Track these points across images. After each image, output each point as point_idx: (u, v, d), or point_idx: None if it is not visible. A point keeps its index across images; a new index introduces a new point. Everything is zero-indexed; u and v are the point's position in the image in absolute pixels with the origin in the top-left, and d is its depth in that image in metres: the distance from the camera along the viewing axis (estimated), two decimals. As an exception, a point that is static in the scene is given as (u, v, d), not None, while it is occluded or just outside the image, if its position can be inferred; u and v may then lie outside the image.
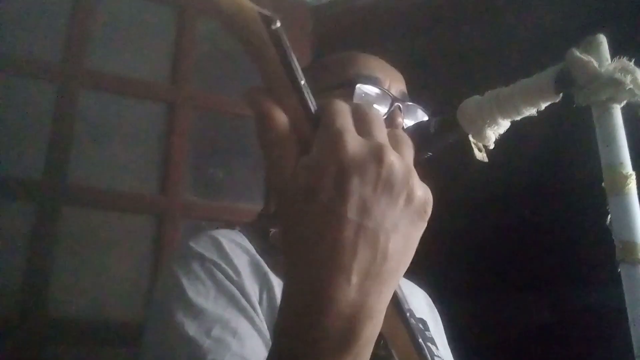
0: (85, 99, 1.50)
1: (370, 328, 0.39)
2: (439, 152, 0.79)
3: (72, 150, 1.45)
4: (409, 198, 0.40)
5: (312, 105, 0.41)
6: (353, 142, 0.38)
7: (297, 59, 0.41)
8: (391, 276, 0.40)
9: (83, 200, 1.45)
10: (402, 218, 0.40)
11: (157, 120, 1.59)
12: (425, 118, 0.94)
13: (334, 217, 0.38)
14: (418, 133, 0.79)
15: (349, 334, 0.38)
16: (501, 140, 0.75)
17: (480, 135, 0.73)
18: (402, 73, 1.01)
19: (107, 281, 1.42)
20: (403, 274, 0.42)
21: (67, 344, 1.37)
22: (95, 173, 1.49)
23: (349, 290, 0.38)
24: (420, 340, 0.54)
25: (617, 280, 0.60)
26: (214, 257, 0.80)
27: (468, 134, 0.75)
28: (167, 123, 1.58)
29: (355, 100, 0.89)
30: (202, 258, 0.79)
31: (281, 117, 0.40)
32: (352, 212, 0.38)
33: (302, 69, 0.40)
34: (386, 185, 0.38)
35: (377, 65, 0.98)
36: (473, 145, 0.75)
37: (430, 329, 1.00)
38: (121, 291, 1.44)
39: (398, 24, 1.84)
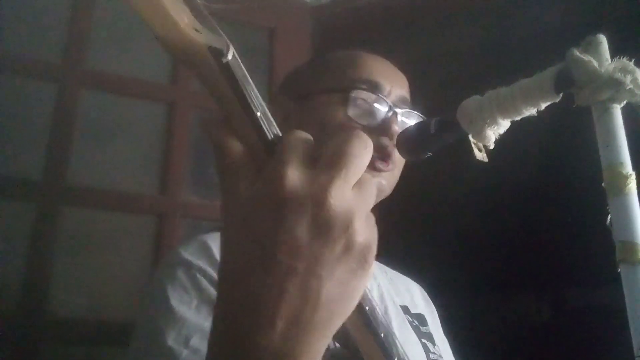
0: (85, 99, 1.50)
1: None
2: (439, 152, 0.79)
3: (72, 150, 1.45)
4: (348, 244, 0.37)
5: (270, 134, 0.40)
6: (295, 176, 0.36)
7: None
8: (323, 325, 0.37)
9: (83, 200, 1.45)
10: (339, 265, 0.37)
11: (157, 120, 1.59)
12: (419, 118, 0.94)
13: (263, 253, 0.35)
14: (418, 133, 0.79)
15: None
16: (501, 140, 0.75)
17: (480, 135, 0.73)
18: (402, 73, 1.01)
19: (107, 281, 1.42)
20: (339, 324, 0.39)
21: (67, 344, 1.37)
22: (95, 173, 1.49)
23: (272, 337, 0.35)
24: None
25: (617, 280, 0.60)
26: (201, 263, 0.80)
27: (468, 134, 0.75)
28: (167, 123, 1.58)
29: (351, 106, 0.88)
30: (188, 265, 0.80)
31: (234, 147, 0.39)
32: (282, 252, 0.35)
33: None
34: (323, 228, 0.36)
35: (379, 68, 0.97)
36: (473, 145, 0.75)
37: (428, 322, 0.99)
38: (121, 291, 1.44)
39: (398, 24, 1.84)
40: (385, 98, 0.91)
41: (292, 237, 0.35)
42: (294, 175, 0.36)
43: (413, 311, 0.99)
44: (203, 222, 1.59)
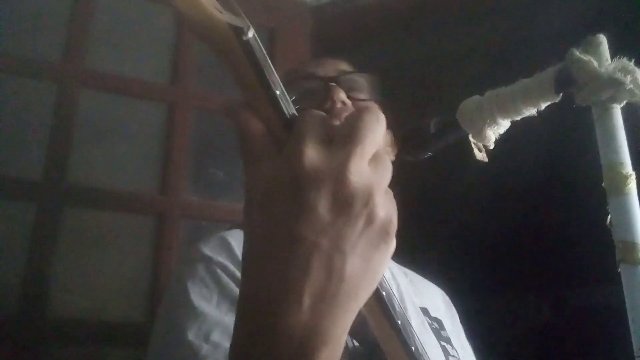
0: (85, 99, 1.50)
1: (325, 353, 0.36)
2: (439, 152, 0.79)
3: (72, 150, 1.45)
4: (369, 219, 0.37)
5: (288, 113, 0.40)
6: (313, 154, 0.36)
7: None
8: (349, 300, 0.37)
9: (83, 200, 1.45)
10: (361, 240, 0.37)
11: (157, 120, 1.59)
12: (371, 82, 0.95)
13: (287, 232, 0.36)
14: (418, 133, 0.79)
15: (301, 358, 0.36)
16: (501, 140, 0.75)
17: (480, 135, 0.73)
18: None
19: (107, 281, 1.42)
20: (365, 298, 0.39)
21: (67, 344, 1.37)
22: (95, 173, 1.49)
23: (300, 313, 0.35)
24: (415, 351, 0.54)
25: (617, 280, 0.60)
26: (221, 258, 0.81)
27: (468, 134, 0.75)
28: (167, 123, 1.58)
29: (299, 96, 0.89)
30: (209, 261, 0.81)
31: (257, 128, 0.39)
32: (306, 229, 0.35)
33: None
34: (344, 203, 0.36)
35: (310, 62, 0.99)
36: (473, 145, 0.75)
37: (447, 327, 0.99)
38: (121, 291, 1.44)
39: (398, 24, 1.84)
40: (317, 75, 0.93)
41: (314, 214, 0.35)
42: (312, 153, 0.36)
43: (433, 314, 0.98)
44: (203, 222, 1.59)
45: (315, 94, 0.91)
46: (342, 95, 0.90)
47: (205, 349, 0.69)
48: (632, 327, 0.59)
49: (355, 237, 0.37)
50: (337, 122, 0.89)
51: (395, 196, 0.41)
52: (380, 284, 0.49)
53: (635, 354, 0.58)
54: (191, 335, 0.71)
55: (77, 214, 1.45)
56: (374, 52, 1.85)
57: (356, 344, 0.73)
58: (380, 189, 0.38)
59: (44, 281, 1.34)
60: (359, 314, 0.40)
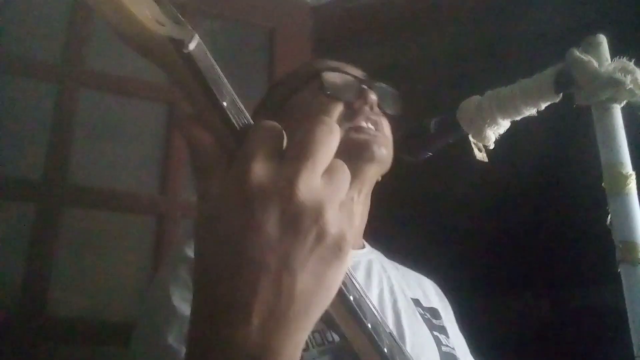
0: (85, 99, 1.50)
1: None
2: (439, 152, 0.79)
3: (72, 150, 1.45)
4: (320, 235, 0.36)
5: (238, 124, 0.39)
6: (261, 169, 0.35)
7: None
8: (299, 318, 0.36)
9: (83, 200, 1.45)
10: (311, 257, 0.36)
11: (157, 120, 1.59)
12: (394, 93, 0.97)
13: (234, 251, 0.35)
14: (418, 133, 0.79)
15: None
16: (501, 140, 0.75)
17: (480, 135, 0.73)
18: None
19: (107, 281, 1.42)
20: (318, 315, 0.38)
21: (67, 344, 1.37)
22: (95, 173, 1.49)
23: (249, 332, 0.35)
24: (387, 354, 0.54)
25: (617, 280, 0.60)
26: None
27: (468, 134, 0.75)
28: (167, 123, 1.58)
29: (326, 86, 0.91)
30: (190, 261, 0.80)
31: (206, 143, 0.38)
32: (253, 248, 0.35)
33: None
34: (292, 221, 0.35)
35: (336, 61, 1.01)
36: (473, 145, 0.75)
37: (442, 317, 0.99)
38: (121, 291, 1.44)
39: (398, 24, 1.84)
40: (352, 74, 0.94)
41: (262, 233, 0.35)
42: (260, 169, 0.35)
43: (425, 305, 0.98)
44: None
45: (347, 91, 0.92)
46: (375, 100, 0.91)
47: (184, 352, 0.70)
48: (632, 327, 0.59)
49: (305, 255, 0.36)
50: (362, 124, 0.90)
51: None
52: (347, 288, 0.48)
53: (635, 354, 0.58)
54: (171, 339, 0.71)
55: (77, 214, 1.45)
56: (374, 52, 1.85)
57: (338, 339, 0.73)
58: (333, 203, 0.37)
59: (43, 281, 1.34)
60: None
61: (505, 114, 0.71)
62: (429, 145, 0.79)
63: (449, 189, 1.68)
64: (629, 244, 0.60)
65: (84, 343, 1.38)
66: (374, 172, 0.90)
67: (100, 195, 1.46)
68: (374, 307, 0.55)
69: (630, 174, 0.62)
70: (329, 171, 0.38)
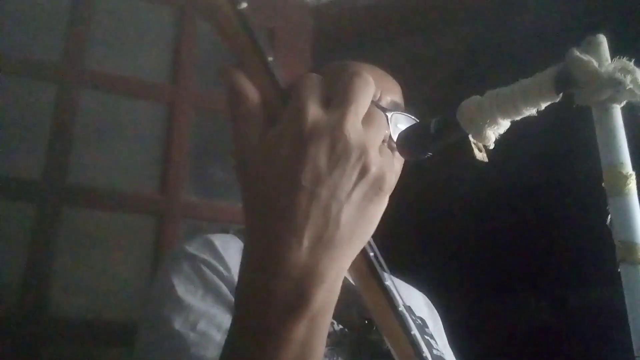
0: (85, 99, 1.50)
1: (322, 294, 0.40)
2: (439, 152, 0.79)
3: (72, 150, 1.45)
4: (363, 172, 0.40)
5: (281, 80, 0.43)
6: (313, 112, 0.40)
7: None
8: (344, 244, 0.41)
9: (83, 200, 1.45)
10: (355, 191, 0.40)
11: (157, 120, 1.59)
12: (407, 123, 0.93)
13: (289, 182, 0.39)
14: (418, 133, 0.79)
15: (298, 297, 0.39)
16: (501, 140, 0.75)
17: (480, 135, 0.73)
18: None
19: (107, 281, 1.42)
20: (359, 246, 0.43)
21: (67, 344, 1.37)
22: (95, 173, 1.49)
23: (300, 253, 0.39)
24: (406, 318, 0.55)
25: (617, 280, 0.60)
26: (205, 255, 0.83)
27: (468, 134, 0.74)
28: (167, 123, 1.58)
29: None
30: (192, 258, 0.83)
31: (251, 92, 0.42)
32: (306, 179, 0.39)
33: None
34: (341, 156, 0.39)
35: (364, 66, 0.98)
36: (473, 145, 0.75)
37: (430, 327, 1.00)
38: (121, 291, 1.44)
39: (398, 24, 1.84)
40: (374, 101, 0.90)
41: (315, 166, 0.39)
42: (313, 111, 0.40)
43: (417, 314, 0.99)
44: (203, 222, 1.59)
45: None
46: (388, 135, 0.86)
47: (192, 336, 0.71)
48: (632, 327, 0.59)
49: (350, 188, 0.40)
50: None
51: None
52: (369, 244, 0.51)
53: (635, 353, 0.58)
54: (178, 325, 0.73)
55: (77, 214, 1.45)
56: (374, 52, 1.85)
57: (340, 327, 0.74)
58: (374, 145, 0.41)
59: (44, 281, 1.34)
60: (343, 297, 0.43)
61: (505, 114, 0.71)
62: (429, 145, 0.79)
63: (448, 189, 1.68)
64: (629, 244, 0.60)
65: (84, 343, 1.38)
66: None
67: (100, 195, 1.47)
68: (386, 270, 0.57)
69: (630, 174, 0.62)
70: (367, 118, 0.42)
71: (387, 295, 0.54)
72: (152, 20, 1.65)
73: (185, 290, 0.78)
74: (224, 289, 0.78)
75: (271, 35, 1.72)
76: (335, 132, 0.39)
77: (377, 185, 0.41)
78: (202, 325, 0.72)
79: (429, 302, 1.11)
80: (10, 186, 1.38)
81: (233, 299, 0.77)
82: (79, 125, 1.48)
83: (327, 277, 0.40)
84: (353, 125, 0.40)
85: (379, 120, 0.43)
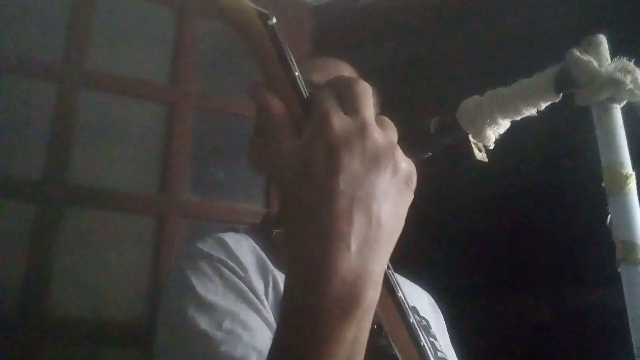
0: (85, 99, 1.50)
1: (371, 292, 0.41)
2: (439, 152, 0.79)
3: (72, 150, 1.45)
4: (395, 169, 0.42)
5: (305, 93, 0.45)
6: (339, 121, 0.41)
7: (297, 59, 0.44)
8: (387, 241, 0.42)
9: (83, 200, 1.45)
10: (390, 187, 0.42)
11: (157, 120, 1.59)
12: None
13: (328, 190, 0.40)
14: (418, 133, 0.79)
15: (352, 299, 0.40)
16: (501, 140, 0.75)
17: (480, 135, 0.73)
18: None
19: (107, 281, 1.42)
20: (396, 241, 0.44)
21: (67, 344, 1.37)
22: (95, 173, 1.49)
23: (349, 257, 0.40)
24: (417, 330, 0.55)
25: (617, 280, 0.60)
26: (222, 255, 0.83)
27: (468, 134, 0.75)
28: (167, 123, 1.58)
29: None
30: (209, 257, 0.83)
31: (278, 106, 0.44)
32: (344, 184, 0.40)
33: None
34: (373, 158, 0.41)
35: (309, 62, 1.01)
36: (473, 145, 0.75)
37: (433, 327, 1.00)
38: (121, 291, 1.44)
39: (398, 24, 1.84)
40: (310, 80, 0.94)
41: (350, 170, 0.40)
42: (340, 120, 0.42)
43: (421, 314, 1.00)
44: (203, 222, 1.59)
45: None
46: None
47: (219, 335, 0.71)
48: (632, 327, 0.59)
49: (386, 186, 0.42)
50: None
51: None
52: (394, 281, 0.53)
53: (635, 353, 0.58)
54: (204, 325, 0.73)
55: (77, 214, 1.45)
56: (374, 52, 1.85)
57: None
58: (396, 144, 0.44)
59: (44, 281, 1.34)
60: None
61: (505, 114, 0.71)
62: (429, 145, 0.79)
63: (448, 189, 1.68)
64: (629, 244, 0.60)
65: (84, 343, 1.38)
66: None
67: (100, 195, 1.47)
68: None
69: (630, 174, 0.62)
70: (380, 121, 0.44)
71: (400, 308, 0.55)
72: (152, 20, 1.65)
73: (206, 289, 0.78)
74: (244, 287, 0.78)
75: (271, 35, 1.72)
76: (363, 136, 0.41)
77: (408, 179, 0.43)
78: (227, 324, 0.73)
79: (433, 300, 1.11)
80: (10, 186, 1.38)
81: (253, 298, 0.78)
82: (79, 125, 1.48)
83: (375, 275, 0.42)
84: (376, 127, 0.42)
85: (389, 122, 0.45)
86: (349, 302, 0.40)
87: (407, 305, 0.55)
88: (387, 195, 0.42)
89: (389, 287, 0.52)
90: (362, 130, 0.41)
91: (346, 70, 1.02)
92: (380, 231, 0.41)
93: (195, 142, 1.61)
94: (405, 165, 0.43)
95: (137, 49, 1.61)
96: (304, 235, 0.42)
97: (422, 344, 0.56)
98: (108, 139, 1.53)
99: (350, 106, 0.43)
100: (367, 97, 0.44)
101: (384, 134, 0.43)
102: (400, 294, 0.54)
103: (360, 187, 0.41)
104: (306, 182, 0.41)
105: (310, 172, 0.41)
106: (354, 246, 0.40)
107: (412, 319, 0.56)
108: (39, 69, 1.48)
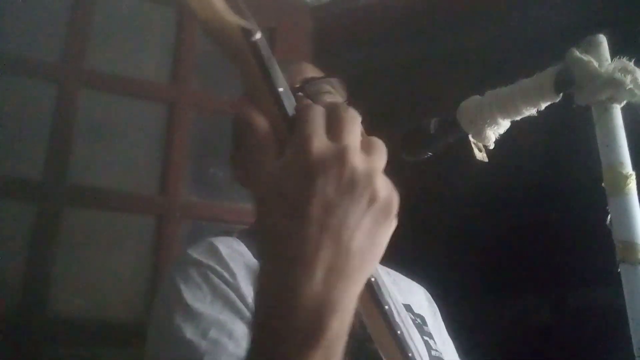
0: (85, 99, 1.50)
1: (337, 322, 0.40)
2: (439, 152, 0.79)
3: (72, 150, 1.45)
4: (372, 198, 0.41)
5: (290, 109, 0.44)
6: (319, 145, 0.40)
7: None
8: (355, 272, 0.41)
9: (83, 200, 1.45)
10: (365, 217, 0.41)
11: (157, 120, 1.59)
12: (336, 86, 0.96)
13: (299, 214, 0.40)
14: (418, 133, 0.79)
15: (316, 327, 0.39)
16: (501, 140, 0.75)
17: (480, 135, 0.73)
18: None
19: (107, 281, 1.42)
20: (369, 271, 0.43)
21: (67, 344, 1.37)
22: (96, 173, 1.49)
23: (313, 284, 0.39)
24: (405, 341, 0.55)
25: (617, 280, 0.60)
26: (211, 262, 0.83)
27: (468, 134, 0.75)
28: (167, 123, 1.58)
29: None
30: (199, 264, 0.83)
31: (262, 124, 0.43)
32: (316, 210, 0.39)
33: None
34: (349, 185, 0.40)
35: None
36: (473, 145, 0.75)
37: (429, 324, 1.00)
38: (121, 291, 1.44)
39: (398, 24, 1.84)
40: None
41: (323, 196, 0.40)
42: (320, 144, 0.40)
43: (416, 311, 1.00)
44: (203, 222, 1.59)
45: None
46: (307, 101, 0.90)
47: (204, 345, 0.71)
48: (632, 327, 0.59)
49: (360, 216, 0.41)
50: None
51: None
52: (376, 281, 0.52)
53: (635, 353, 0.58)
54: (189, 334, 0.73)
55: (78, 214, 1.45)
56: (374, 52, 1.85)
57: None
58: (379, 172, 0.42)
59: (44, 281, 1.34)
60: None
61: (505, 114, 0.71)
62: (429, 145, 0.79)
63: (448, 189, 1.68)
64: (629, 244, 0.60)
65: (84, 343, 1.38)
66: None
67: (100, 195, 1.46)
68: (387, 293, 0.57)
69: (630, 174, 0.62)
70: (368, 145, 0.43)
71: (386, 320, 0.55)
72: (152, 20, 1.65)
73: (194, 297, 0.78)
74: (232, 295, 0.78)
75: (271, 35, 1.72)
76: (341, 161, 0.40)
77: (387, 210, 0.42)
78: (213, 333, 0.73)
79: (429, 296, 1.11)
80: (10, 186, 1.38)
81: (240, 305, 0.78)
82: (79, 125, 1.48)
83: (341, 305, 0.40)
84: (357, 153, 0.41)
85: (379, 147, 0.43)
86: (313, 330, 0.39)
87: (394, 318, 0.55)
88: (360, 225, 0.41)
89: (375, 300, 0.52)
90: (341, 155, 0.40)
91: (310, 70, 1.01)
92: (350, 260, 0.40)
93: (195, 142, 1.61)
94: (385, 193, 0.42)
95: (137, 49, 1.61)
96: (271, 257, 0.42)
97: (410, 354, 0.56)
98: (108, 139, 1.53)
99: (334, 131, 0.42)
100: (354, 124, 0.43)
101: (366, 160, 0.41)
102: (387, 307, 0.54)
103: (333, 214, 0.40)
104: (279, 204, 0.40)
105: (284, 194, 0.40)
106: (319, 274, 0.39)
107: (400, 331, 0.56)
108: (39, 69, 1.48)
